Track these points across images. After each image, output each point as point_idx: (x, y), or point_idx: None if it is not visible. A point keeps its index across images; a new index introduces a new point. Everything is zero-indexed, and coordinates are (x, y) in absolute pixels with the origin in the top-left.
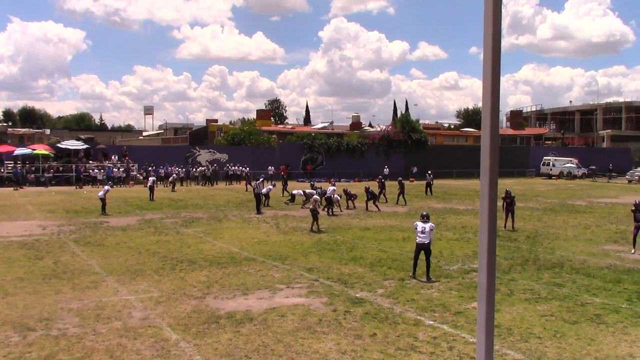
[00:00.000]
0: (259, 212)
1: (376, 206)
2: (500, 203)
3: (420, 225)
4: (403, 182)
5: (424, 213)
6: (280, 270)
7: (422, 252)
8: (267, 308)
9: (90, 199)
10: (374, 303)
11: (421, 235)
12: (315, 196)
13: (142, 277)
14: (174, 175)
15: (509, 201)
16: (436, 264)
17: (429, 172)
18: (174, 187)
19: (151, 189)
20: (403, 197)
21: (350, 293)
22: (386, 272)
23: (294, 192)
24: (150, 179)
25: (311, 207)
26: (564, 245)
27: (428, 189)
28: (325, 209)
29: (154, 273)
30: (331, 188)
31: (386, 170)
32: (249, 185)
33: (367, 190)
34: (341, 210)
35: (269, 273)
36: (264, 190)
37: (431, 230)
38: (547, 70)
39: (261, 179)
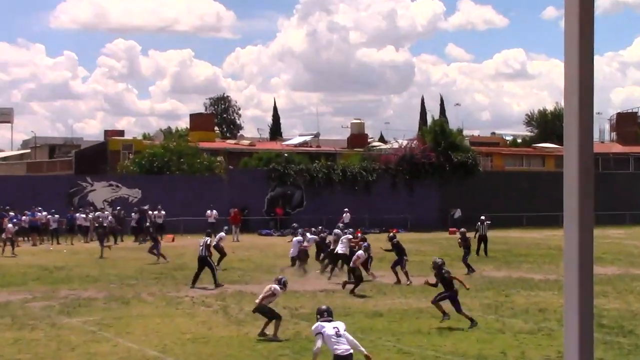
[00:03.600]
0: (216, 284)
1: (404, 274)
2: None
3: (328, 327)
4: (467, 235)
5: (324, 307)
6: None
7: None
8: None
9: None
10: None
11: (337, 343)
12: (360, 252)
13: None
14: (51, 223)
15: None
16: None
17: (482, 217)
18: (54, 241)
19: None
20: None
21: None
22: None
23: (298, 241)
24: (9, 228)
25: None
26: None
27: (481, 246)
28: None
29: None
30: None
31: (457, 213)
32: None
33: (394, 242)
34: (374, 277)
35: None
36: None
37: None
38: None
39: (217, 236)
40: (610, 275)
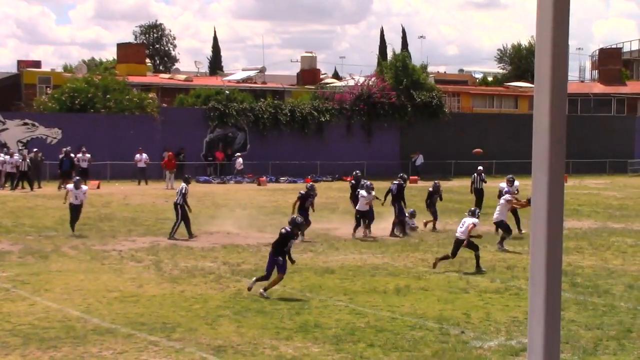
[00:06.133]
0: (190, 234)
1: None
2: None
3: None
4: (438, 185)
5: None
6: (163, 351)
7: None
8: None
9: None
10: None
11: None
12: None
13: None
14: None
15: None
16: (459, 338)
17: (480, 168)
18: None
19: None
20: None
21: None
22: (364, 354)
23: (363, 195)
24: None
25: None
26: None
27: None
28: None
29: None
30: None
31: (419, 160)
32: (66, 190)
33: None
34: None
35: (142, 358)
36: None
37: None
38: None
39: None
40: (587, 230)
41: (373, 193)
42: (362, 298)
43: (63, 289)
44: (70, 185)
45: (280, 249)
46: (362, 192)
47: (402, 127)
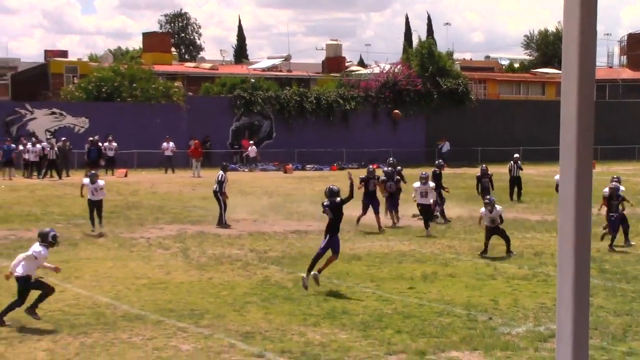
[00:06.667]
0: (221, 222)
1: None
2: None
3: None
4: (485, 169)
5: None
6: (192, 337)
7: None
8: None
9: None
10: None
11: None
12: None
13: None
14: None
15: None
16: (486, 324)
17: (516, 156)
18: None
19: None
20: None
21: None
22: (392, 340)
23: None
24: None
25: None
26: None
27: (516, 188)
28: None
29: None
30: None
31: (445, 147)
32: (82, 184)
33: (390, 176)
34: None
35: (171, 344)
36: None
37: None
38: None
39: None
40: None
41: (432, 184)
42: (389, 285)
43: (92, 276)
44: (85, 180)
45: (335, 226)
46: (416, 184)
47: (428, 114)
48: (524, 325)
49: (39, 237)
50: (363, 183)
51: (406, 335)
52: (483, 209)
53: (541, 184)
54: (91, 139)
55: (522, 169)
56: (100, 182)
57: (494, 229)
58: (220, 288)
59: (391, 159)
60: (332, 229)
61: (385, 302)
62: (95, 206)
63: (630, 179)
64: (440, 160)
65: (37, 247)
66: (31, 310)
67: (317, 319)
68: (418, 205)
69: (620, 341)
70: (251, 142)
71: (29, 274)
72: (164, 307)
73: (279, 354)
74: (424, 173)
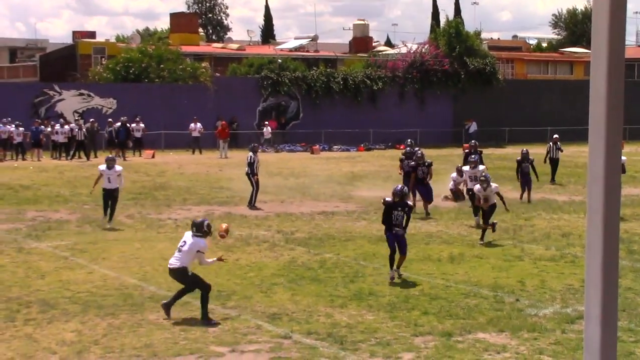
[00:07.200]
0: (251, 204)
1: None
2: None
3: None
4: (526, 153)
5: (199, 221)
6: (218, 319)
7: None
8: None
9: None
10: None
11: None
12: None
13: None
14: (15, 137)
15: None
16: (513, 306)
17: (556, 136)
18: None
19: None
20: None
21: None
22: (418, 321)
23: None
24: None
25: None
26: None
27: (554, 170)
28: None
29: None
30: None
31: (472, 127)
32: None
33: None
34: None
35: (197, 325)
36: None
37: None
38: None
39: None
40: None
41: (482, 167)
42: (416, 266)
43: (120, 257)
44: (102, 166)
45: (389, 221)
46: (466, 168)
47: (455, 94)
48: (551, 306)
49: (193, 228)
50: (414, 172)
51: (433, 317)
52: (477, 186)
53: (569, 164)
54: (120, 120)
55: (562, 150)
56: (118, 167)
57: (491, 206)
58: (247, 269)
59: (409, 140)
60: (387, 225)
61: (412, 284)
62: (111, 196)
63: None
64: (474, 141)
65: (199, 242)
66: (168, 305)
67: (344, 301)
68: (469, 191)
69: None
70: (265, 122)
71: (185, 266)
72: None
73: (306, 336)
74: (473, 157)
